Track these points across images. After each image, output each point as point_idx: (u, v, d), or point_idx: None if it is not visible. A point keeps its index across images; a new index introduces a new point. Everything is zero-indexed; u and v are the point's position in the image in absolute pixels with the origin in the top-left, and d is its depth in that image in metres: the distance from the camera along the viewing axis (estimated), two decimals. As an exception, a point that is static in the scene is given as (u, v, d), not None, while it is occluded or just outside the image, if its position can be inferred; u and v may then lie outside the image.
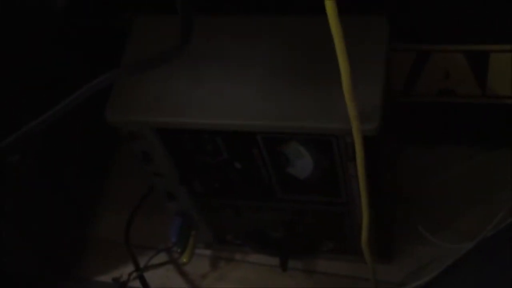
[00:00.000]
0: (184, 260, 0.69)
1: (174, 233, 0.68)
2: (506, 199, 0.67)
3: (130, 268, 0.71)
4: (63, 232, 0.76)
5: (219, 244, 0.72)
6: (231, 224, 0.67)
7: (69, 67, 0.69)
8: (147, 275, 0.71)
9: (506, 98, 0.65)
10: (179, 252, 0.69)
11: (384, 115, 0.52)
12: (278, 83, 0.53)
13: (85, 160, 0.77)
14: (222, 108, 0.53)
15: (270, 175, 0.59)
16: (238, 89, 0.54)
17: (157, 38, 0.54)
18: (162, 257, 0.71)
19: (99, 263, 0.77)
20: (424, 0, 0.59)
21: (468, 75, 0.64)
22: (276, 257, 0.69)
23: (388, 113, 0.58)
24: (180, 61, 0.55)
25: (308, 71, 0.50)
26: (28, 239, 0.71)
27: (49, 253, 0.74)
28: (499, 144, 0.72)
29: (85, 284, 0.77)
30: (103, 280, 0.75)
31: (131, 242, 0.73)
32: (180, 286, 0.73)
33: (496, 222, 0.63)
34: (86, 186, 0.79)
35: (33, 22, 0.65)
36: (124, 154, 0.82)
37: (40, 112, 0.48)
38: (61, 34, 0.69)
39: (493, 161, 0.73)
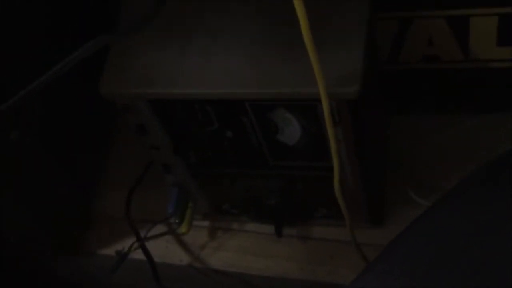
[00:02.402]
0: (183, 231, 0.71)
1: (171, 205, 0.70)
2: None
3: (133, 241, 0.73)
4: (68, 208, 0.78)
5: (216, 214, 0.74)
6: (226, 193, 0.69)
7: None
8: (149, 247, 0.73)
9: (488, 61, 0.66)
10: (177, 223, 0.71)
11: (367, 80, 0.54)
12: (262, 51, 0.55)
13: (86, 136, 0.79)
14: (209, 78, 0.55)
15: (261, 143, 0.61)
16: (224, 59, 0.56)
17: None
18: (162, 229, 0.73)
19: (103, 238, 0.79)
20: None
21: (451, 41, 0.65)
22: (272, 225, 0.71)
23: (373, 80, 0.60)
24: (167, 34, 0.58)
25: (290, 38, 0.51)
26: (34, 215, 0.73)
27: (56, 229, 0.77)
28: (487, 109, 0.73)
29: (90, 258, 0.79)
30: (106, 253, 0.77)
31: (133, 217, 0.75)
32: (180, 256, 0.75)
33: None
34: (88, 162, 0.81)
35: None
36: (125, 129, 0.83)
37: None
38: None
39: (482, 126, 0.74)
